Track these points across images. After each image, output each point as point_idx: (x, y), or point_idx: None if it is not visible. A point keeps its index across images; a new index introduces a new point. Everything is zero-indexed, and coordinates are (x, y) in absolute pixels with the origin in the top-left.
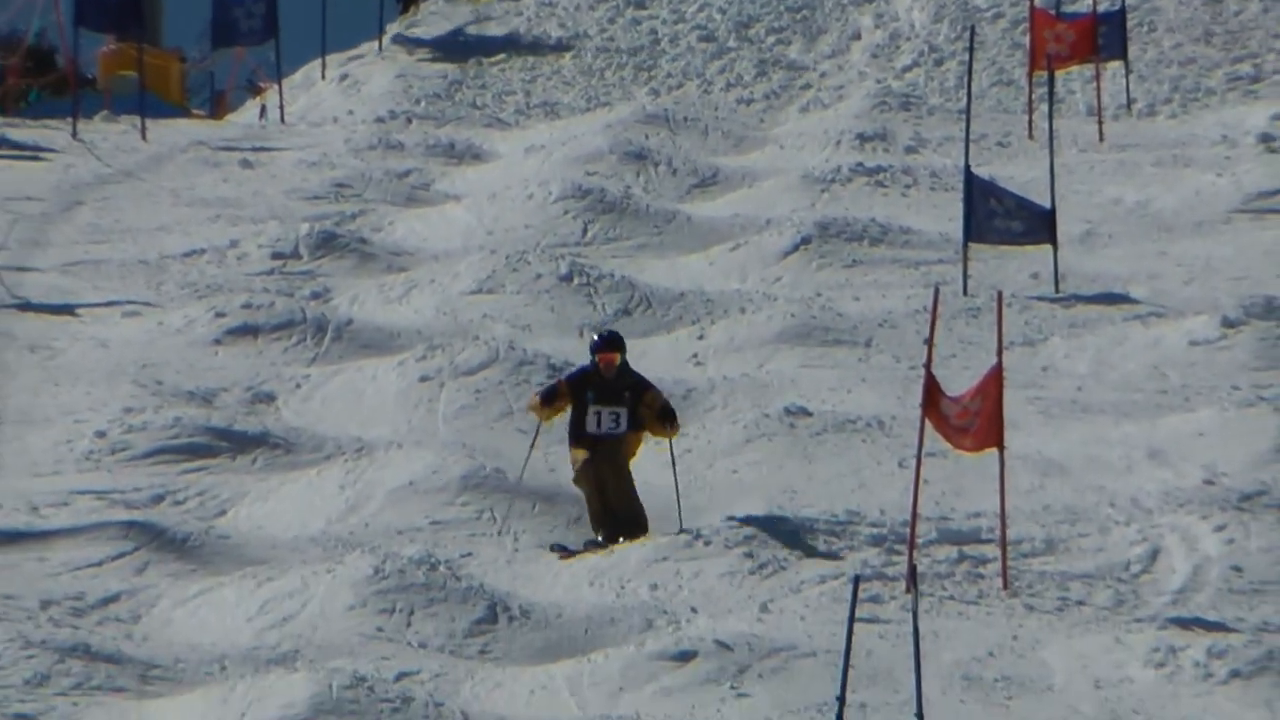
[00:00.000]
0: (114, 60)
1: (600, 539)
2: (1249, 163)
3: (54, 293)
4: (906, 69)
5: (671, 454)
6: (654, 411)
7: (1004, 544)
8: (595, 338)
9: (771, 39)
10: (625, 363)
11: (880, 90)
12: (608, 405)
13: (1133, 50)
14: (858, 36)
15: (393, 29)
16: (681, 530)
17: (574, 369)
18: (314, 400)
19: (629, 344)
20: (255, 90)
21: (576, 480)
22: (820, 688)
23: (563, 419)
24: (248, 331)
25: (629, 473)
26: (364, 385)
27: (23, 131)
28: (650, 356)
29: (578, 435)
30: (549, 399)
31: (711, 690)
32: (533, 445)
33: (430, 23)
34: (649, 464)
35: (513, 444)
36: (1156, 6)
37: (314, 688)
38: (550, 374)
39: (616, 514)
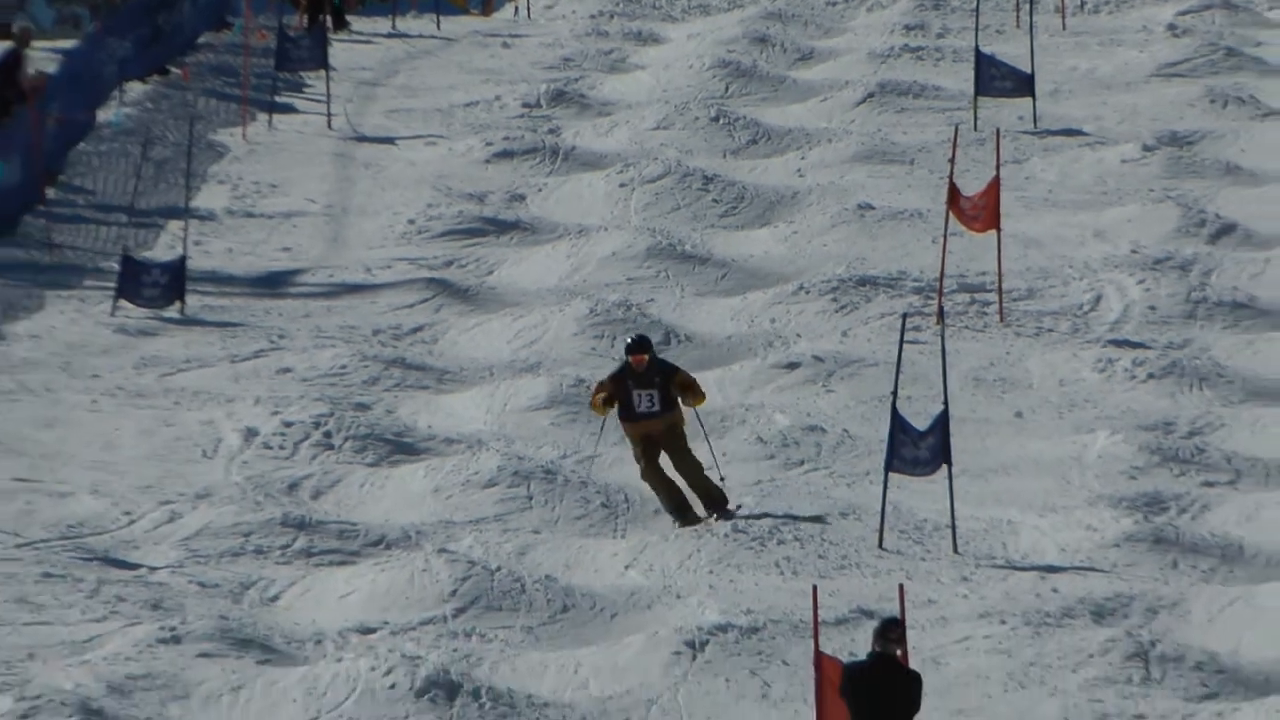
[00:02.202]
0: None
1: (678, 525)
2: (1160, 44)
3: (380, 129)
4: None
5: (701, 422)
6: (681, 387)
7: (1000, 292)
8: (629, 341)
9: None
10: (653, 356)
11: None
12: (644, 389)
13: None
14: None
15: None
16: (722, 478)
17: (613, 369)
18: (550, 200)
19: (755, 166)
20: None
21: (644, 478)
22: (881, 386)
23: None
24: (507, 155)
25: (690, 451)
26: (582, 190)
27: (360, 24)
28: (770, 171)
29: (626, 414)
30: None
31: (810, 388)
32: (599, 436)
33: None
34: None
35: (681, 227)
36: None
37: (549, 386)
38: (703, 182)
39: (695, 493)
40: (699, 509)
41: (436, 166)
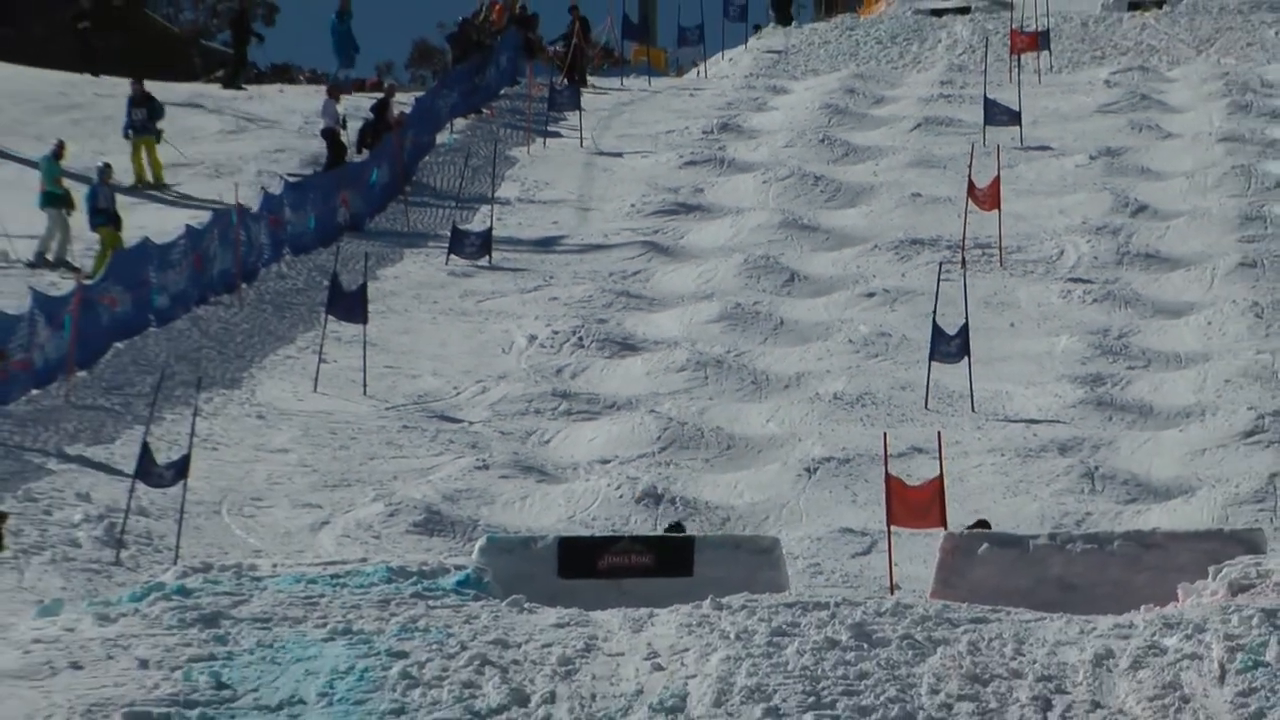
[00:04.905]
0: (639, 52)
1: None
2: (1099, 92)
3: (613, 147)
4: (960, 54)
5: None
6: None
7: (1000, 247)
8: (668, 526)
9: (907, 44)
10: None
11: (949, 65)
12: None
13: (1054, 46)
14: (937, 44)
15: (752, 41)
16: None
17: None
18: (719, 191)
19: (846, 169)
20: (694, 63)
21: None
22: (926, 307)
23: None
24: (691, 163)
25: None
26: (739, 185)
27: (600, 82)
28: (856, 173)
29: None
30: None
31: (881, 308)
32: None
33: (771, 36)
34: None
35: (801, 208)
36: (1061, 27)
37: (720, 307)
38: (814, 180)
39: None
40: None
41: (648, 171)
